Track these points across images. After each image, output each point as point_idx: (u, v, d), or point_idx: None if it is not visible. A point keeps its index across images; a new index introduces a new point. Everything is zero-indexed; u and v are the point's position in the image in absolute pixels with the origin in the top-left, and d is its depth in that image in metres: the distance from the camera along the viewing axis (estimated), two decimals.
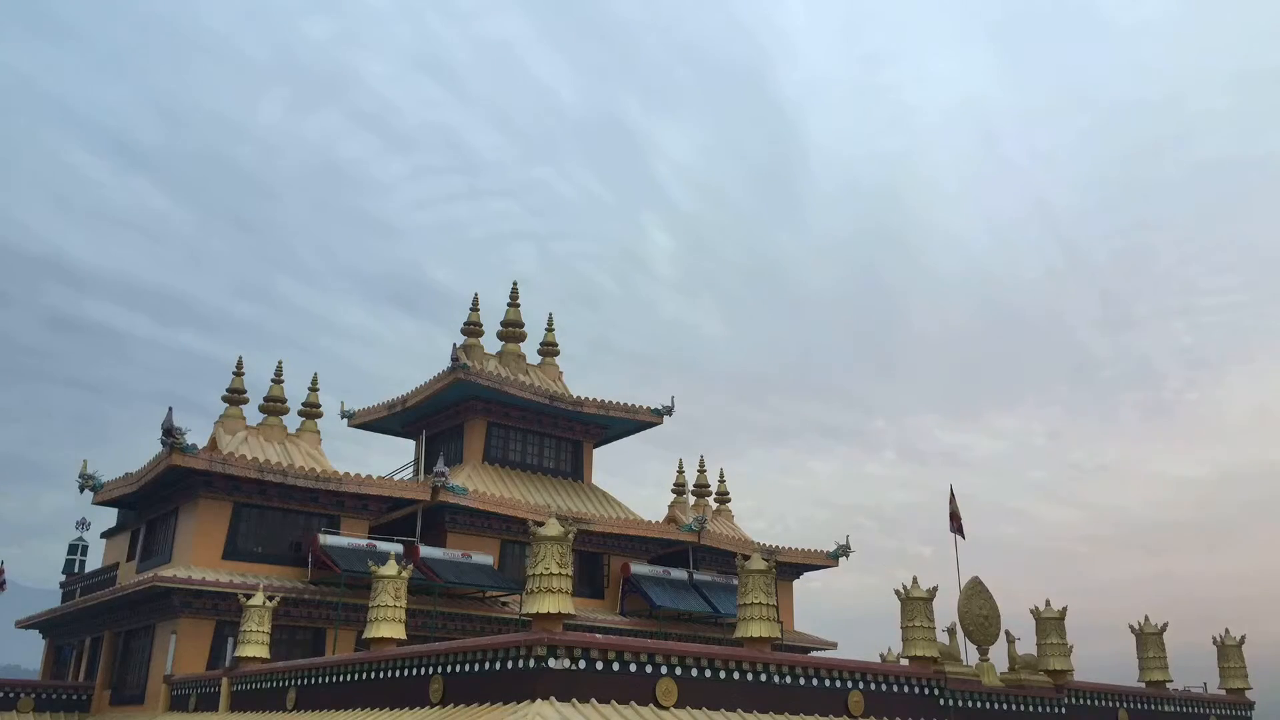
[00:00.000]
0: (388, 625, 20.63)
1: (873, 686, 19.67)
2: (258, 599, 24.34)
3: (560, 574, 16.13)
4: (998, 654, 22.56)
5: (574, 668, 15.76)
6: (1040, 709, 22.48)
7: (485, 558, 32.49)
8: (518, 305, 40.73)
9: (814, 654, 34.04)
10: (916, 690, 20.33)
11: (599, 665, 16.05)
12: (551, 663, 15.57)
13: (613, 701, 15.96)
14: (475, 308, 39.27)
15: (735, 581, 34.88)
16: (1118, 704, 24.25)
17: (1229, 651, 27.48)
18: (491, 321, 39.66)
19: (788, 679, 18.39)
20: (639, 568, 36.73)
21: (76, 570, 37.11)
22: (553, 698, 15.38)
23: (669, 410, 40.30)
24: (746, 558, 19.15)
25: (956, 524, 26.09)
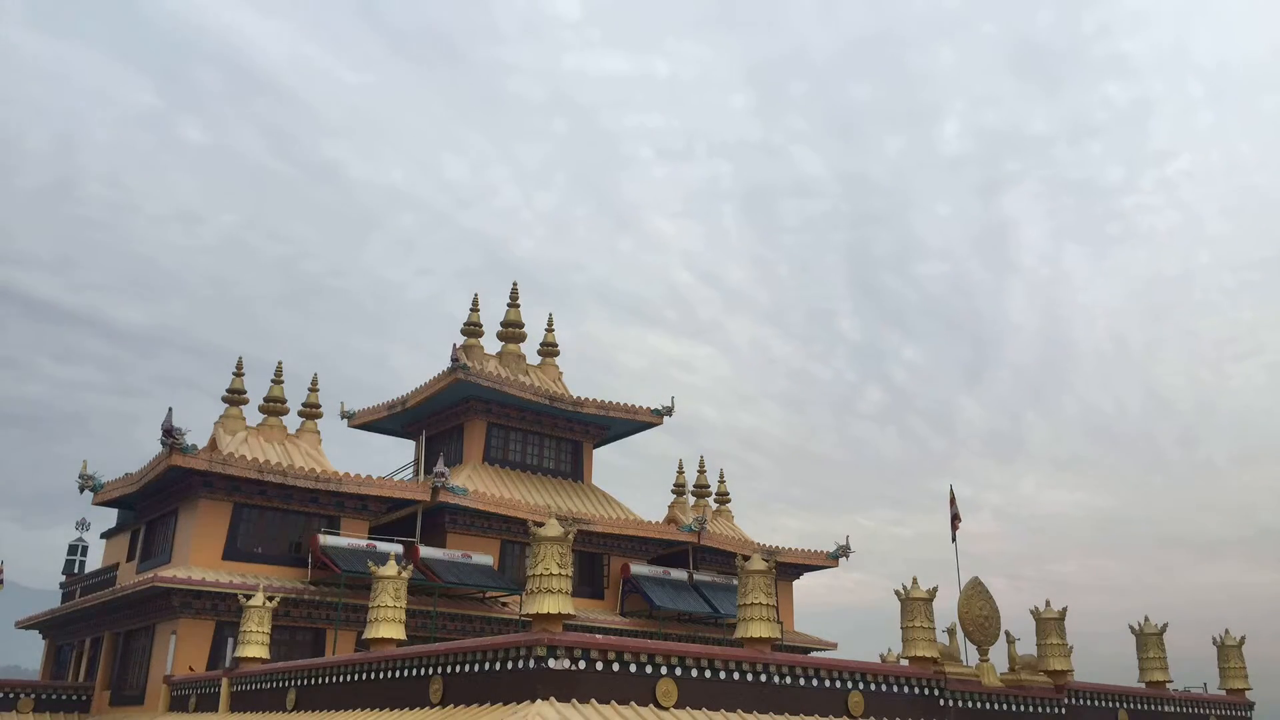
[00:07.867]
0: (388, 626, 20.62)
1: (873, 687, 19.66)
2: (258, 599, 24.33)
3: (560, 574, 16.12)
4: (998, 654, 22.54)
5: (574, 668, 15.75)
6: (1040, 709, 22.46)
7: (485, 558, 32.47)
8: (518, 305, 40.70)
9: (814, 654, 34.05)
10: (916, 690, 20.32)
11: (599, 665, 16.04)
12: (551, 663, 15.56)
13: (613, 702, 15.95)
14: (475, 308, 39.24)
15: (735, 582, 34.87)
16: (1118, 704, 24.22)
17: (1229, 652, 27.43)
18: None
19: (788, 679, 18.38)
20: (639, 568, 36.72)
21: (76, 570, 37.14)
22: (553, 698, 15.37)
23: (669, 410, 40.29)
24: (746, 558, 19.10)
25: (954, 526, 26.14)
